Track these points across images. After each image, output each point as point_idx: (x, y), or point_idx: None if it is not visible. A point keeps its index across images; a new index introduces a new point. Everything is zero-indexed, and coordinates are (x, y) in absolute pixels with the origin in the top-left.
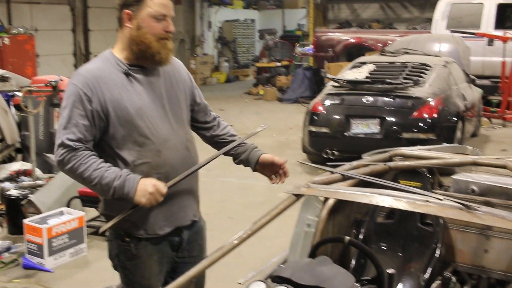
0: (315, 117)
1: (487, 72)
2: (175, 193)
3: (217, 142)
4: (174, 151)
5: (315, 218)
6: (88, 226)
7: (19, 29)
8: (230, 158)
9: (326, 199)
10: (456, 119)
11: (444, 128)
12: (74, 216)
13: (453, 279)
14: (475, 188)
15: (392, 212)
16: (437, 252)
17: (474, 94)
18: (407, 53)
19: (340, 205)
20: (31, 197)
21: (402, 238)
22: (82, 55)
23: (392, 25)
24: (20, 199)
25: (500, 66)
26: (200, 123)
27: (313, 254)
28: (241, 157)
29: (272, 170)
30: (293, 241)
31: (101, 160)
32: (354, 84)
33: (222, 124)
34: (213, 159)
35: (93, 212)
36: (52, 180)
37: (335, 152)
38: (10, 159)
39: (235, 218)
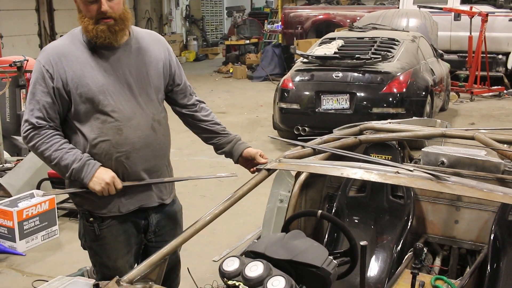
0: (285, 94)
1: (455, 46)
2: (140, 174)
3: (197, 127)
4: (136, 130)
5: (288, 193)
6: (59, 208)
7: None
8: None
9: (298, 174)
10: (425, 93)
11: (413, 102)
12: (45, 198)
13: (425, 250)
14: (444, 160)
15: (363, 186)
16: (409, 224)
17: (442, 68)
18: (375, 28)
19: (312, 180)
20: (0, 180)
21: (374, 211)
22: (48, 36)
23: (360, 1)
24: None
25: (467, 41)
26: (179, 106)
27: (286, 228)
28: (224, 148)
29: (254, 165)
30: (266, 216)
31: (65, 140)
32: (323, 60)
33: (204, 110)
34: (185, 179)
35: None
36: (21, 162)
37: (306, 128)
38: None
39: (207, 196)
